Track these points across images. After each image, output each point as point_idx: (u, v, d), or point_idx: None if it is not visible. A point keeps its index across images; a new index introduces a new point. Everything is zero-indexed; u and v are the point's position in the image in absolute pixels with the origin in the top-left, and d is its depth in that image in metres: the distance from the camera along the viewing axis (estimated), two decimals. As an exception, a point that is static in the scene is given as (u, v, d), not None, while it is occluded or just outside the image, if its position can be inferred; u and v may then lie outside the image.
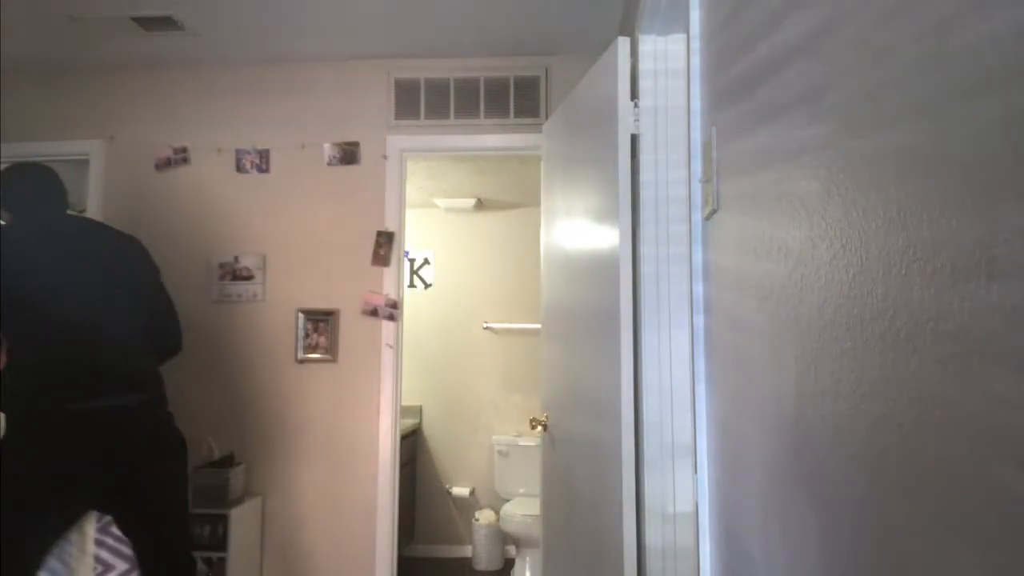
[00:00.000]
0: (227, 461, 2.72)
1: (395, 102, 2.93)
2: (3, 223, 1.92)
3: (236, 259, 2.89)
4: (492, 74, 2.91)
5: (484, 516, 3.79)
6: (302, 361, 2.85)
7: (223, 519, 2.54)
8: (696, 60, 1.29)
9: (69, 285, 1.88)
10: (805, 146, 0.73)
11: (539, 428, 2.48)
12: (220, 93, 2.99)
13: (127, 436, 1.85)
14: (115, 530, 1.89)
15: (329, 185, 2.91)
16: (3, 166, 2.09)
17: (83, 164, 3.02)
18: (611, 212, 1.89)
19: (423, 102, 2.92)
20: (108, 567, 1.88)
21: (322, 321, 2.86)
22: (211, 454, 2.74)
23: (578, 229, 2.21)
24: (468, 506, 4.09)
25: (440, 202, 4.14)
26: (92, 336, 1.87)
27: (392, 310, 2.83)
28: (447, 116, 2.91)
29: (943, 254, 0.46)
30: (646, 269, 1.82)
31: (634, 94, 1.88)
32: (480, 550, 3.78)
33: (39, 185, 2.01)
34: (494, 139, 2.90)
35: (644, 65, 1.88)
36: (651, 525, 1.77)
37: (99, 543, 1.88)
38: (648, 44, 1.88)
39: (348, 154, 2.92)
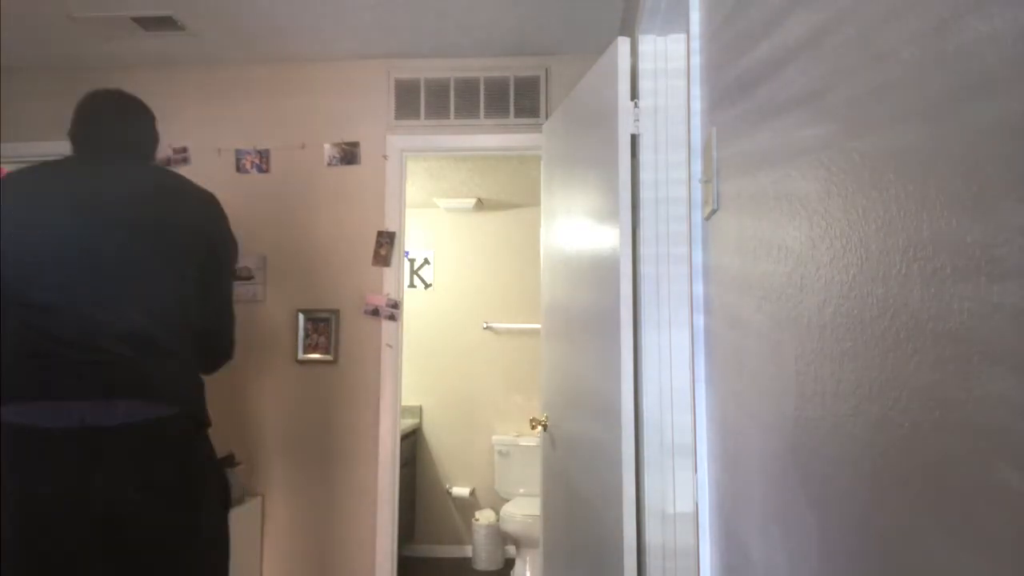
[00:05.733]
0: (227, 461, 2.72)
1: (395, 102, 2.93)
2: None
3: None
4: (492, 74, 2.91)
5: (484, 516, 3.79)
6: (302, 361, 2.85)
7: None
8: (696, 60, 1.29)
9: (96, 254, 1.43)
10: (805, 146, 0.73)
11: (539, 428, 2.48)
12: (220, 93, 2.99)
13: (138, 464, 1.37)
14: None
15: (329, 185, 2.91)
16: (3, 165, 2.00)
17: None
18: (611, 212, 1.89)
19: (423, 102, 2.92)
20: None
21: (322, 321, 2.86)
22: (211, 454, 2.75)
23: (578, 229, 2.21)
24: (468, 506, 4.09)
25: (440, 202, 4.15)
26: (110, 323, 1.39)
27: (393, 310, 2.83)
28: (447, 116, 2.91)
29: (943, 254, 0.46)
30: (646, 269, 1.82)
31: (634, 94, 1.88)
32: (480, 550, 3.78)
33: (113, 122, 1.61)
34: (494, 139, 2.90)
35: (644, 65, 1.88)
36: (651, 525, 1.77)
37: None
38: (648, 44, 1.88)
39: (348, 154, 2.92)
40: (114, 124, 1.61)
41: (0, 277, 1.39)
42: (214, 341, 1.65)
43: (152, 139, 1.67)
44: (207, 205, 1.65)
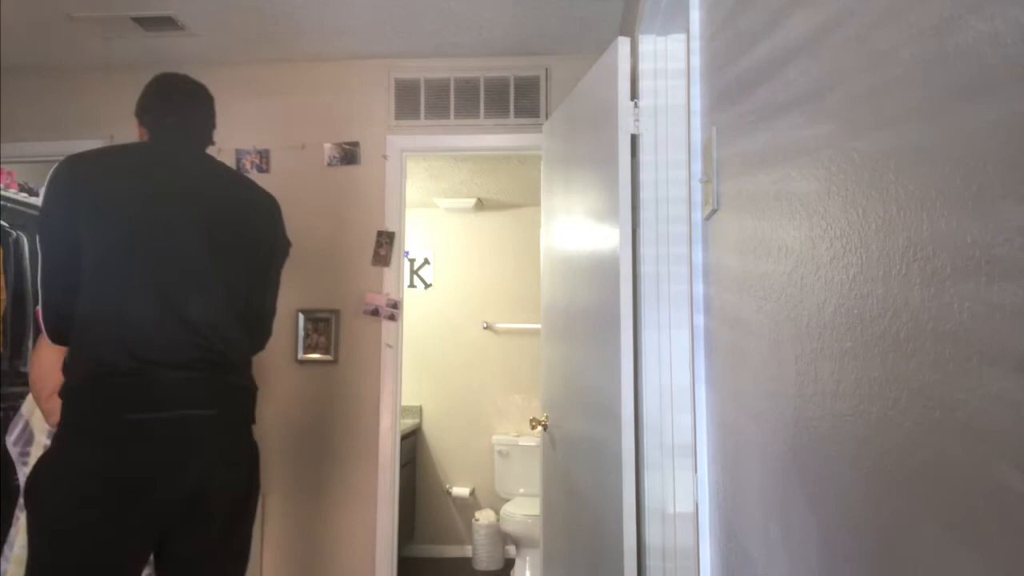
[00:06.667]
0: (227, 461, 2.72)
1: (395, 102, 2.93)
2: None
3: (236, 259, 2.89)
4: (492, 74, 2.91)
5: (484, 516, 3.79)
6: (302, 361, 2.85)
7: (223, 519, 2.54)
8: (696, 60, 1.29)
9: (183, 265, 1.47)
10: (805, 146, 0.73)
11: (539, 428, 2.48)
12: (220, 93, 2.97)
13: (198, 450, 1.46)
14: None
15: (329, 185, 2.91)
16: (3, 166, 2.00)
17: (83, 164, 3.01)
18: (611, 212, 1.88)
19: (423, 102, 2.92)
20: None
21: (322, 321, 2.85)
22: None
23: (578, 229, 2.21)
24: (468, 506, 4.09)
25: (440, 202, 4.15)
26: (192, 341, 1.46)
27: (393, 310, 2.83)
28: (447, 116, 2.91)
29: (943, 254, 0.46)
30: (646, 269, 1.82)
31: (634, 94, 1.88)
32: (480, 550, 3.78)
33: (184, 107, 1.62)
34: (494, 139, 2.90)
35: (644, 65, 1.88)
36: (651, 525, 1.76)
37: None
38: (648, 44, 1.88)
39: (348, 154, 2.92)
40: (185, 110, 1.63)
41: (82, 279, 1.42)
42: (258, 337, 1.72)
43: (214, 125, 1.72)
44: (273, 206, 1.72)
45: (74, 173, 1.44)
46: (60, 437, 1.41)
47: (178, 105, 1.62)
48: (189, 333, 1.46)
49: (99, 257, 1.42)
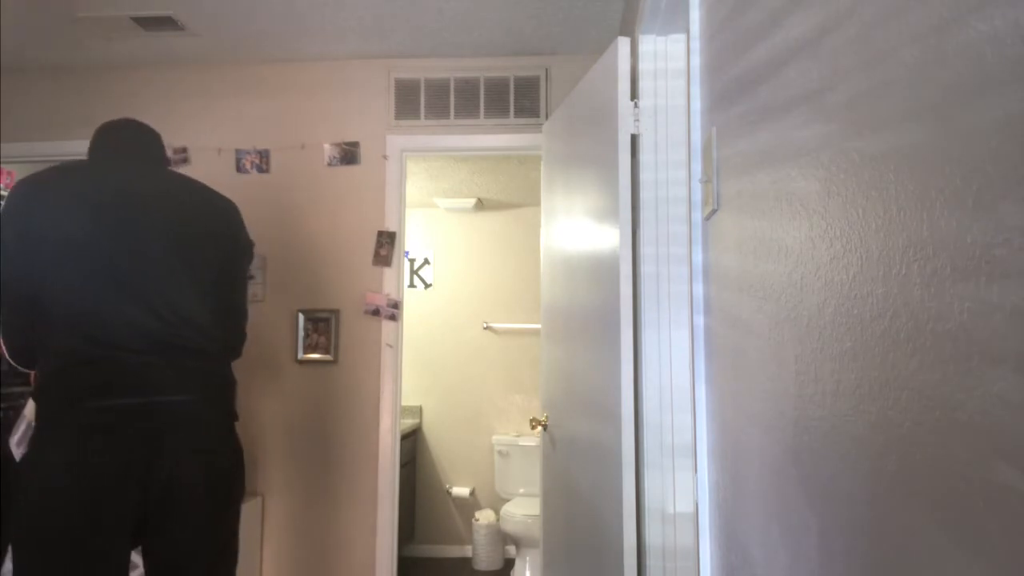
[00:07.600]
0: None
1: (395, 102, 2.93)
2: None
3: (236, 259, 2.89)
4: (492, 74, 2.91)
5: (484, 516, 3.79)
6: (302, 361, 2.85)
7: (223, 519, 2.54)
8: (696, 60, 1.29)
9: (143, 257, 1.49)
10: (805, 146, 0.73)
11: (539, 428, 2.48)
12: (220, 93, 2.99)
13: (171, 438, 1.47)
14: None
15: (329, 185, 2.91)
16: (3, 166, 2.01)
17: (83, 164, 3.02)
18: (611, 212, 1.89)
19: (423, 102, 2.92)
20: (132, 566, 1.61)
21: (322, 321, 2.86)
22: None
23: (578, 229, 2.21)
24: (468, 506, 4.09)
25: (440, 202, 4.15)
26: (157, 329, 1.48)
27: (393, 310, 2.83)
28: (447, 116, 2.91)
29: (943, 254, 0.46)
30: (646, 269, 1.82)
31: (634, 94, 1.88)
32: (480, 550, 3.78)
33: (130, 137, 1.66)
34: (494, 139, 2.90)
35: (644, 65, 1.88)
36: (651, 525, 1.77)
37: None
38: (648, 44, 1.88)
39: (348, 154, 2.92)
40: (130, 138, 1.68)
41: (45, 281, 1.44)
42: (233, 336, 1.73)
43: (164, 157, 1.76)
44: (231, 208, 1.76)
45: (29, 193, 1.47)
46: (34, 435, 1.43)
47: (128, 141, 1.67)
48: (157, 321, 1.48)
49: (61, 260, 1.43)
